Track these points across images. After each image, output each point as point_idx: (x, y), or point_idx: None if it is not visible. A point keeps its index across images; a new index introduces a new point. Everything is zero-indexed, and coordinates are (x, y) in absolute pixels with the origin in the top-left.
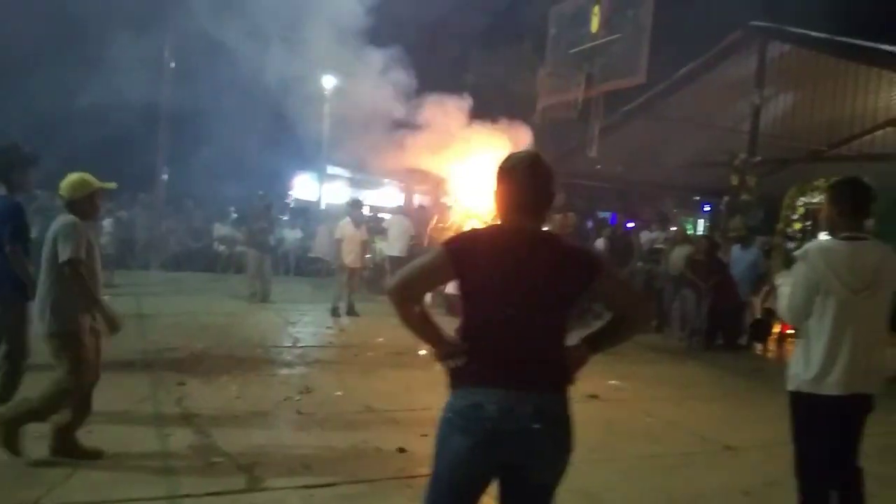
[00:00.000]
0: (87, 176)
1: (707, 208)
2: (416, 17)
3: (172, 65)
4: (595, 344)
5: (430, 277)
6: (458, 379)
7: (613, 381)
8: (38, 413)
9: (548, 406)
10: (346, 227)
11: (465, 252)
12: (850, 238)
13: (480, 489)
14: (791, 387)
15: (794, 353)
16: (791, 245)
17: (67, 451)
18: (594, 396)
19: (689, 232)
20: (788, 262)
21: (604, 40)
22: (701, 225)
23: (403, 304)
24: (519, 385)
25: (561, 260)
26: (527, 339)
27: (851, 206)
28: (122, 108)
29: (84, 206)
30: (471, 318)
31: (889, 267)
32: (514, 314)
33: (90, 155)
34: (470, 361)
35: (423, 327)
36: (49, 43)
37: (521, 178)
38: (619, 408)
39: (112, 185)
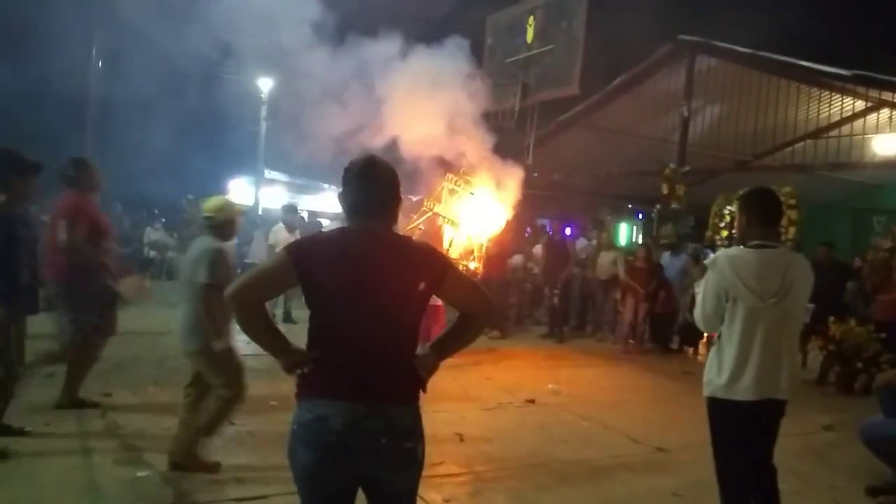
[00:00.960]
0: (230, 199)
1: (640, 216)
2: (352, 20)
3: (100, 63)
4: (443, 348)
5: (271, 283)
6: (304, 389)
7: (551, 386)
8: (208, 429)
9: (397, 419)
10: (279, 232)
11: (307, 257)
12: (759, 246)
13: (347, 501)
14: (706, 392)
15: (708, 359)
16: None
17: (188, 464)
18: (531, 401)
19: (618, 238)
20: (705, 268)
21: (538, 51)
22: (634, 232)
23: (243, 311)
24: (366, 397)
25: (407, 262)
26: (374, 347)
27: (760, 216)
28: (46, 106)
29: (227, 228)
30: (316, 326)
31: (798, 274)
32: (360, 320)
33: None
34: (316, 371)
35: (265, 335)
36: None
37: (358, 180)
38: (554, 412)
39: (244, 206)
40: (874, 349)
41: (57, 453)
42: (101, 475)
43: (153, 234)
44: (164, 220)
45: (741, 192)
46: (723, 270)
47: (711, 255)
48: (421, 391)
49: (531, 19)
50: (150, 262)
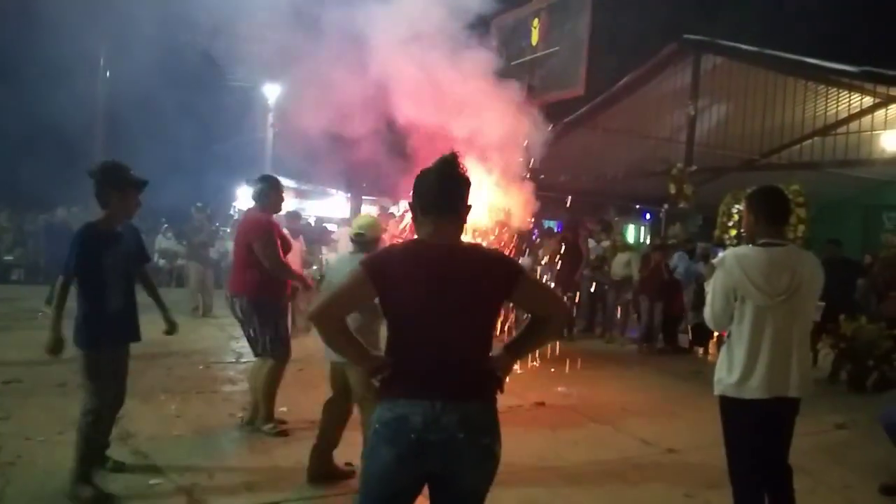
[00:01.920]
0: (377, 217)
1: (648, 216)
2: (355, 22)
3: (108, 73)
4: (517, 350)
5: (351, 299)
6: (385, 391)
7: (561, 388)
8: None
9: (473, 415)
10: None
11: (383, 270)
12: (767, 244)
13: (409, 500)
14: (717, 391)
15: (719, 358)
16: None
17: (326, 473)
18: (541, 404)
19: (629, 240)
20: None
21: (543, 53)
22: (642, 232)
23: (327, 329)
24: (444, 396)
25: (480, 269)
26: (450, 350)
27: (768, 214)
28: (55, 116)
29: (375, 245)
30: (395, 332)
31: (807, 271)
32: (435, 327)
33: (23, 166)
34: (396, 374)
35: (348, 346)
36: None
37: (437, 176)
38: (565, 414)
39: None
40: (886, 346)
41: (69, 460)
42: (114, 483)
43: (164, 242)
44: (172, 228)
45: (749, 190)
46: (731, 269)
47: (720, 254)
48: (498, 391)
49: (535, 21)
50: (160, 271)
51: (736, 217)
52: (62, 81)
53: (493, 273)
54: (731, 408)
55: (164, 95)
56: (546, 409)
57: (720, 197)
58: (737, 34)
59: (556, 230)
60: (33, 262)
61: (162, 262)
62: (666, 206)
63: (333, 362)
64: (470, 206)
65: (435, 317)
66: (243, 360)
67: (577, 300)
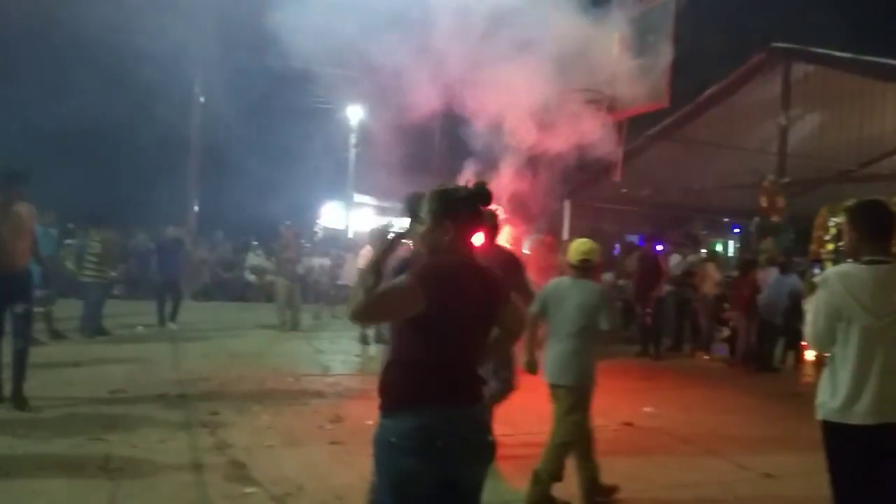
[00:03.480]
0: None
1: (736, 230)
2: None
3: (202, 99)
4: (489, 354)
5: (398, 307)
6: (402, 401)
7: (648, 408)
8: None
9: (479, 415)
10: (367, 255)
11: (433, 285)
12: (872, 262)
13: None
14: (820, 416)
15: (821, 380)
16: (816, 270)
17: (601, 493)
18: (629, 424)
19: (718, 253)
20: (815, 287)
21: (625, 66)
22: (731, 247)
23: (367, 324)
24: (457, 401)
25: (491, 288)
26: (467, 360)
27: (872, 230)
28: (154, 142)
29: (592, 271)
30: (416, 343)
31: None
32: (458, 339)
33: (124, 187)
34: (416, 384)
35: None
36: (80, 75)
37: (467, 208)
38: (654, 435)
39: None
40: None
41: (172, 468)
42: (212, 491)
43: (254, 259)
44: (255, 243)
45: (848, 203)
46: (834, 289)
47: (817, 271)
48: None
49: (616, 34)
50: (250, 286)
51: (833, 231)
52: (157, 106)
53: (500, 293)
54: (834, 433)
55: (254, 118)
56: (634, 429)
57: (814, 209)
58: (828, 40)
59: (637, 244)
60: (135, 279)
61: (252, 277)
62: (756, 219)
63: (553, 384)
64: (498, 226)
65: (459, 331)
66: (330, 372)
67: (654, 316)
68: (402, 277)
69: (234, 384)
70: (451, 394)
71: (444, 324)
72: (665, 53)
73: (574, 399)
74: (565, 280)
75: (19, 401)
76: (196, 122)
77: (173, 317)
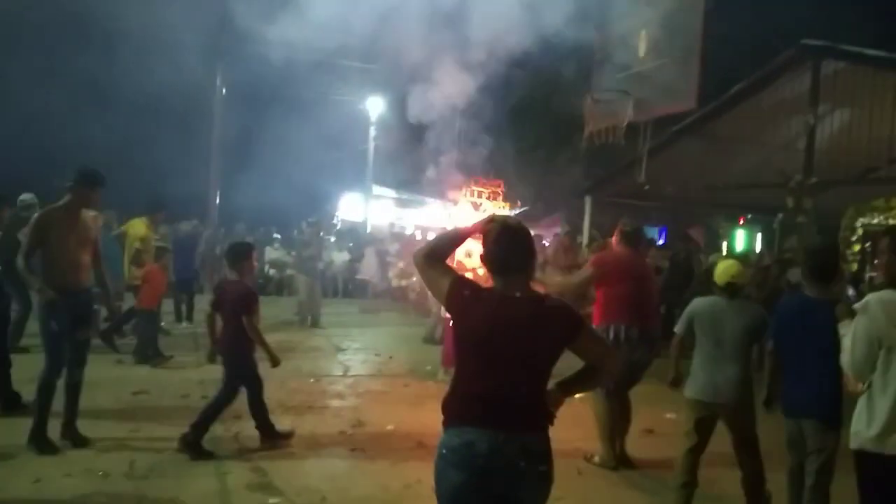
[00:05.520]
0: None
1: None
2: (457, 41)
3: (224, 91)
4: (567, 389)
5: (439, 276)
6: (452, 418)
7: (670, 415)
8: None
9: (530, 445)
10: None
11: (462, 290)
12: None
13: None
14: (854, 445)
15: (857, 408)
16: (852, 293)
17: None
18: (650, 431)
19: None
20: (852, 311)
21: (651, 65)
22: (756, 240)
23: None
24: (506, 427)
25: (546, 319)
26: (513, 387)
27: None
28: (176, 134)
29: (743, 290)
30: (465, 364)
31: None
32: (499, 366)
33: (147, 179)
34: (463, 403)
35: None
36: (103, 70)
37: (496, 245)
38: (675, 443)
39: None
40: None
41: (196, 476)
42: (237, 500)
43: (273, 252)
44: (278, 236)
45: (886, 201)
46: (875, 316)
47: (852, 293)
48: (549, 422)
49: (643, 33)
50: (270, 280)
51: (860, 232)
52: (178, 98)
53: (557, 323)
54: (869, 463)
55: (274, 110)
56: (655, 437)
57: (838, 206)
58: (860, 36)
59: (656, 239)
60: None
61: (272, 271)
62: (780, 215)
63: (698, 401)
64: (535, 259)
65: (501, 356)
66: (350, 373)
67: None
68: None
69: None
70: (496, 418)
71: (475, 344)
72: (693, 53)
73: (743, 418)
74: (717, 300)
75: (76, 437)
76: (218, 114)
77: (189, 316)
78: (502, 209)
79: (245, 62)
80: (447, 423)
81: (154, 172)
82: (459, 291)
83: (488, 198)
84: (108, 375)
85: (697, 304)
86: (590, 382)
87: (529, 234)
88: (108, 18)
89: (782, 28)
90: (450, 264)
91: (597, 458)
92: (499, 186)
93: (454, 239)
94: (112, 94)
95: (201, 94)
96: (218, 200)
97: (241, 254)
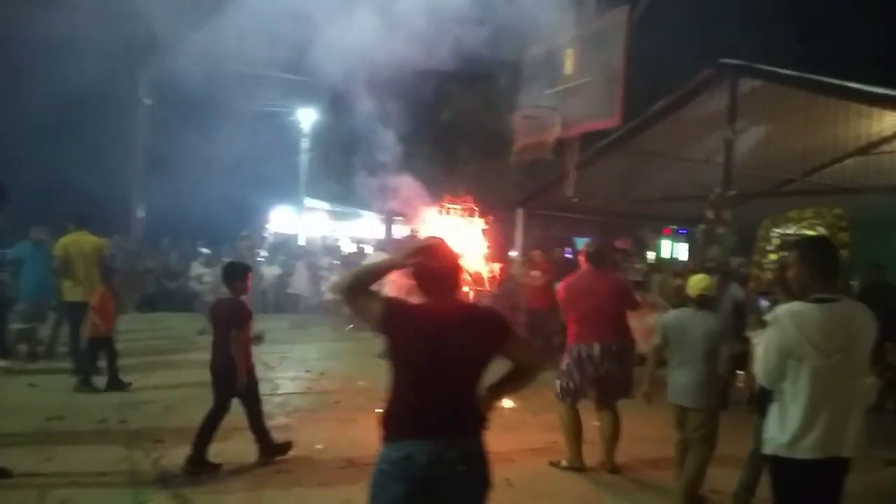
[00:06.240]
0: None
1: (683, 232)
2: (391, 54)
3: (148, 101)
4: (498, 391)
5: (368, 305)
6: (391, 433)
7: (597, 422)
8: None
9: (469, 449)
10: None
11: (397, 312)
12: (821, 300)
13: None
14: (768, 450)
15: (769, 415)
16: (764, 303)
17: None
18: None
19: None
20: (763, 321)
21: (577, 83)
22: (679, 249)
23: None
24: (445, 436)
25: (477, 326)
26: (449, 395)
27: (822, 268)
28: (97, 147)
29: (710, 303)
30: (401, 379)
31: (861, 327)
32: (435, 375)
33: (65, 193)
34: (401, 416)
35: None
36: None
37: (430, 263)
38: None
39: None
40: None
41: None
42: None
43: (199, 268)
44: (207, 251)
45: (799, 212)
46: (786, 328)
47: (764, 303)
48: (484, 427)
49: (569, 51)
50: (196, 296)
51: (776, 241)
52: (100, 109)
53: (488, 329)
54: (782, 467)
55: (202, 120)
56: (584, 446)
57: (757, 217)
58: (775, 54)
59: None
60: None
61: (199, 287)
62: (702, 226)
63: (676, 405)
64: (462, 277)
65: (436, 367)
66: (279, 391)
67: None
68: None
69: (179, 406)
70: (435, 428)
71: (413, 358)
72: (616, 71)
73: (711, 420)
74: (686, 312)
75: None
76: (141, 125)
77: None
78: (476, 224)
79: (171, 72)
80: (386, 438)
81: (72, 186)
82: (393, 311)
83: (463, 214)
84: (18, 400)
85: (669, 316)
86: (518, 384)
87: (457, 254)
88: (19, 25)
89: (702, 48)
90: (374, 288)
91: (564, 462)
92: (470, 202)
93: (380, 271)
94: (24, 105)
95: (123, 104)
96: (143, 214)
97: (237, 273)
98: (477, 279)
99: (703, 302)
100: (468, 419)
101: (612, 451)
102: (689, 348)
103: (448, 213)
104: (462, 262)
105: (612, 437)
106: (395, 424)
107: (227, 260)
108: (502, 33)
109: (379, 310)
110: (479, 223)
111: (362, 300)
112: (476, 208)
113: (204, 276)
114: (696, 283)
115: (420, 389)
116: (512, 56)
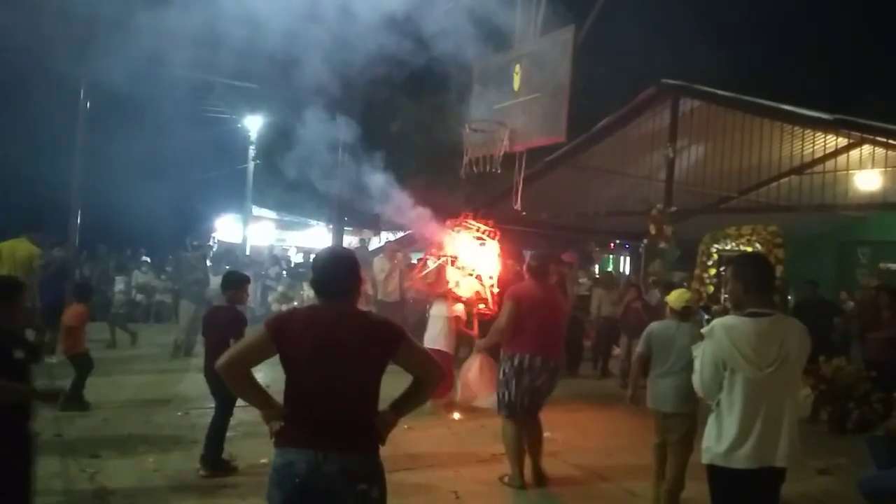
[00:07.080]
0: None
1: (627, 246)
2: (343, 63)
3: (88, 105)
4: (400, 408)
5: (256, 355)
6: (279, 439)
7: (546, 433)
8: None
9: (351, 464)
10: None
11: (283, 329)
12: (754, 314)
13: None
14: (705, 460)
15: (707, 426)
16: (704, 317)
17: None
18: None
19: (610, 274)
20: (701, 336)
21: (524, 99)
22: (625, 264)
23: (235, 379)
24: (326, 446)
25: (366, 334)
26: (335, 404)
27: (756, 283)
28: (34, 150)
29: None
30: (289, 386)
31: (794, 341)
32: (322, 382)
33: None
34: (288, 424)
35: (252, 394)
36: None
37: (323, 269)
38: (548, 462)
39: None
40: (865, 388)
41: None
42: None
43: (140, 276)
44: (147, 259)
45: (737, 229)
46: (720, 341)
47: (705, 317)
48: (380, 443)
49: (517, 67)
50: (137, 306)
51: (715, 256)
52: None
53: (379, 337)
54: (718, 477)
55: (143, 124)
56: (545, 458)
57: (698, 231)
58: (715, 74)
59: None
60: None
61: (140, 296)
62: (645, 241)
63: (658, 411)
64: (360, 282)
65: (322, 374)
66: None
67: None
68: (256, 328)
69: (118, 419)
70: (318, 438)
71: (301, 366)
72: (563, 88)
73: (690, 423)
74: (670, 323)
75: None
76: (81, 127)
77: (53, 349)
78: (490, 245)
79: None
80: (276, 444)
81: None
82: (278, 331)
83: (486, 235)
84: None
85: (654, 326)
86: (418, 397)
87: (356, 259)
88: None
89: (645, 68)
90: (265, 329)
91: (506, 479)
92: (490, 225)
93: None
94: None
95: (61, 105)
96: (79, 220)
97: (236, 283)
98: (481, 297)
99: (686, 314)
100: (356, 432)
101: (538, 459)
102: (674, 358)
103: (462, 231)
104: (358, 267)
105: (538, 447)
106: (283, 431)
107: (169, 269)
108: (454, 45)
109: (267, 340)
110: (494, 245)
111: (254, 357)
112: (495, 230)
113: (147, 283)
114: (679, 296)
115: (308, 396)
116: (462, 70)
